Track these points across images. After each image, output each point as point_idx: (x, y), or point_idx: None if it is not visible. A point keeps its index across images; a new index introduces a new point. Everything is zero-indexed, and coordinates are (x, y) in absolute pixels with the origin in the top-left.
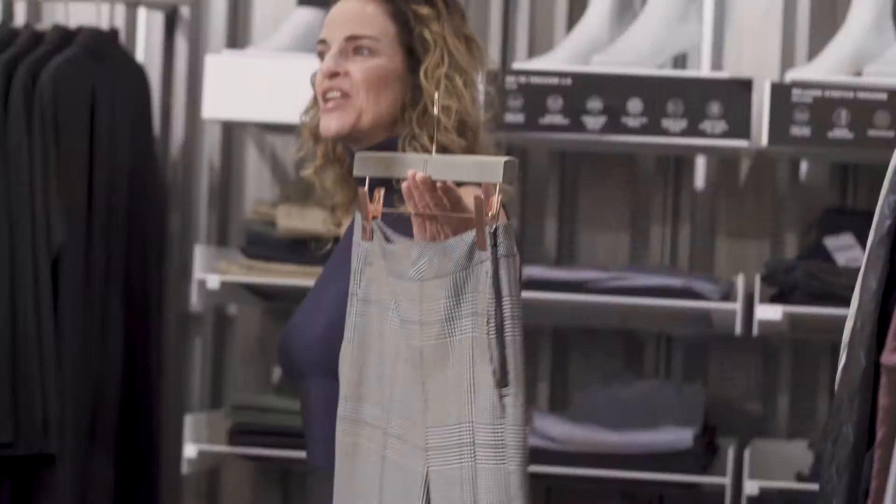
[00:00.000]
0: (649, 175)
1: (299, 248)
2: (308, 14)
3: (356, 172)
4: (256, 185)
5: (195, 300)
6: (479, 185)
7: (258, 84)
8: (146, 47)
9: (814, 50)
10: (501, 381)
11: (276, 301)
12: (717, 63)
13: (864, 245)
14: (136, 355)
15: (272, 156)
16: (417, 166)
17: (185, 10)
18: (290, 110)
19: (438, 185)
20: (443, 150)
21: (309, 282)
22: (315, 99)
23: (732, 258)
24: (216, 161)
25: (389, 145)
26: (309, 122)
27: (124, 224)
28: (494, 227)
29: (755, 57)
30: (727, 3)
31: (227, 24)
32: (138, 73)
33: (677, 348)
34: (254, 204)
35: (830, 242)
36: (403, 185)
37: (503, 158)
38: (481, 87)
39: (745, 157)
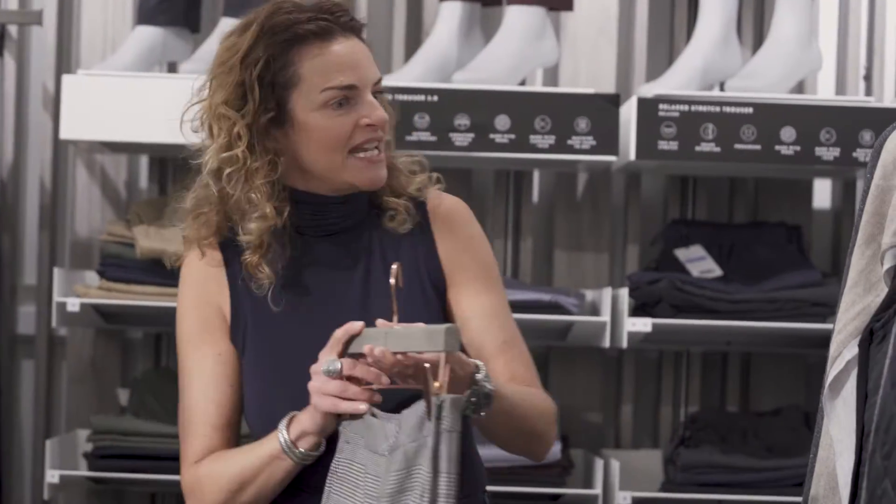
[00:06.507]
0: (486, 189)
1: (159, 270)
2: (148, 32)
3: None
4: (87, 205)
5: (55, 323)
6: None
7: (117, 104)
8: None
9: (652, 66)
10: None
11: (116, 323)
12: (551, 79)
13: (714, 256)
14: None
15: (102, 175)
16: (378, 340)
17: (12, 30)
18: (150, 130)
19: (399, 357)
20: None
21: (171, 303)
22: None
23: (570, 271)
24: (47, 181)
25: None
26: None
27: None
28: (441, 399)
29: (590, 73)
30: (562, 19)
31: (57, 44)
32: None
33: None
34: (107, 225)
35: (682, 254)
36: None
37: (444, 327)
38: None
39: (616, 172)
